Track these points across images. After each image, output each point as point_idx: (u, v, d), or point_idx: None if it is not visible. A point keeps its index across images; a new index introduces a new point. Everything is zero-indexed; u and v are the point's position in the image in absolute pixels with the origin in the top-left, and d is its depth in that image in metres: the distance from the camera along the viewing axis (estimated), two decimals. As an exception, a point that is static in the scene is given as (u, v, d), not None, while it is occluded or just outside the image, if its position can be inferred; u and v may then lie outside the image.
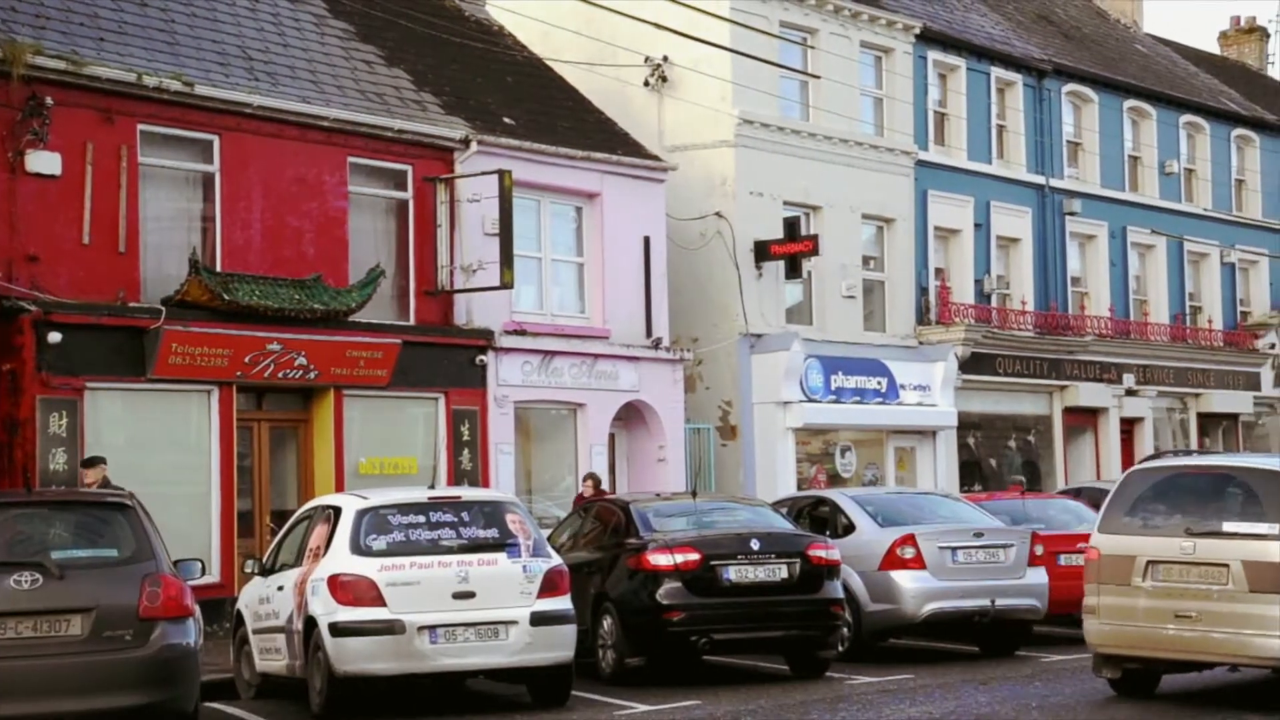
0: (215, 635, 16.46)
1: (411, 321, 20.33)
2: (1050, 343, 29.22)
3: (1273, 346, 34.40)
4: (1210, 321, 33.60)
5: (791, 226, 24.79)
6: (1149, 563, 11.59)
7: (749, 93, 24.52)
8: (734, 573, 13.74)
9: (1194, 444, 32.79)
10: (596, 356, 22.20)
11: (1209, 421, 33.37)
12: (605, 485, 20.51)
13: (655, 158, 23.56)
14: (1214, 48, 43.07)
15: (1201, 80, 36.61)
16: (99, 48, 17.96)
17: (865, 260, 26.95)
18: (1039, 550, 15.74)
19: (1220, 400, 32.96)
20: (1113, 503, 12.12)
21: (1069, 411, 29.99)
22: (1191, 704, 12.02)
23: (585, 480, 20.03)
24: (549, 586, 12.27)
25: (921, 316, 27.51)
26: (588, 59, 24.54)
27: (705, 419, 24.53)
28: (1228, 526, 11.34)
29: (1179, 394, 32.49)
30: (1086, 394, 29.86)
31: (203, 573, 11.24)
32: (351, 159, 19.86)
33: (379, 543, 12.17)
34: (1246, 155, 35.69)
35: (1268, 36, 43.46)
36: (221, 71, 19.03)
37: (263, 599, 13.44)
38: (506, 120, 21.98)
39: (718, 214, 24.63)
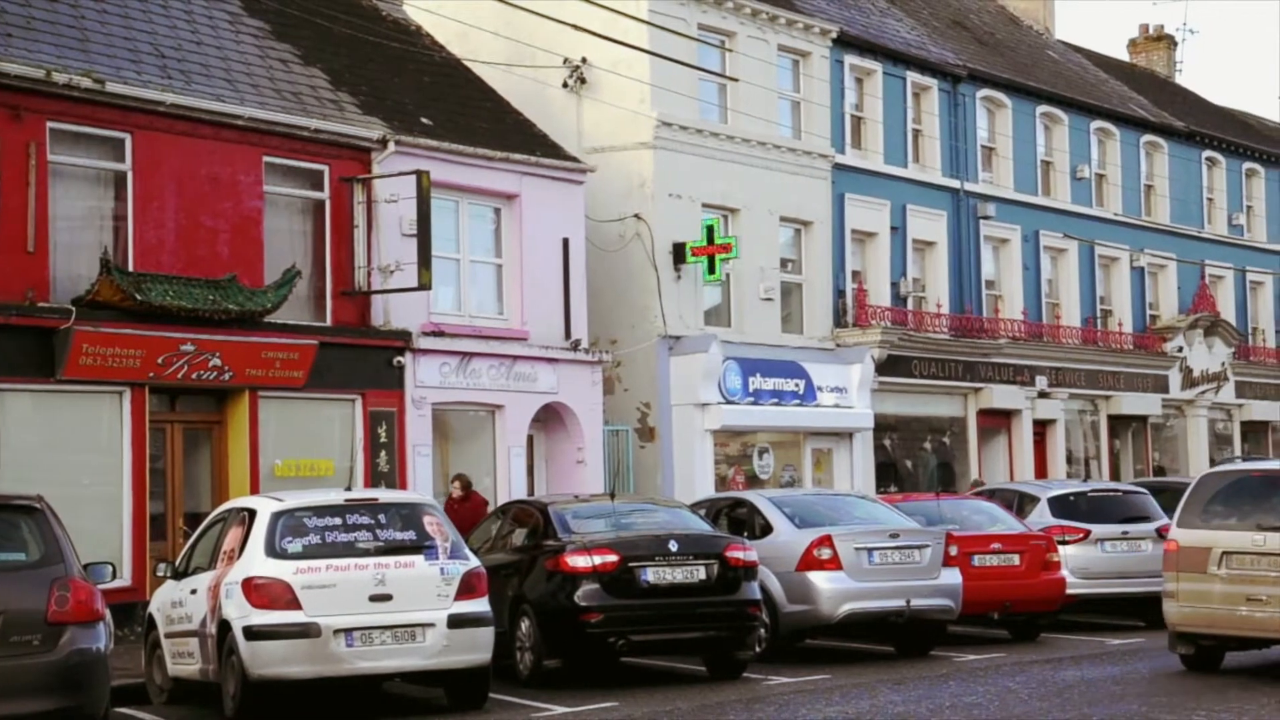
0: (126, 640, 16.26)
1: (328, 322, 20.18)
2: (965, 345, 29.54)
3: (1180, 350, 34.99)
4: (1120, 325, 34.13)
5: (710, 229, 24.87)
6: (1224, 553, 13.25)
7: (667, 95, 24.58)
8: (652, 574, 13.77)
9: (1104, 447, 33.31)
10: (515, 358, 22.16)
11: (1119, 423, 33.90)
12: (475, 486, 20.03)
13: (574, 159, 23.56)
14: (1123, 55, 43.76)
15: (1111, 87, 37.19)
16: (6, 44, 17.65)
17: (783, 263, 27.10)
18: (953, 551, 15.90)
19: (1130, 403, 33.48)
20: (1189, 502, 13.86)
21: (983, 413, 30.33)
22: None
23: (454, 481, 19.69)
24: (467, 589, 12.24)
25: (839, 319, 27.71)
26: (506, 60, 24.48)
27: (624, 421, 24.55)
28: None
29: (1090, 396, 32.97)
30: (1000, 396, 30.22)
31: (113, 576, 11.09)
32: (267, 158, 19.68)
33: (294, 545, 12.08)
34: (1155, 161, 36.29)
35: (1175, 45, 44.23)
36: (133, 69, 18.78)
37: (175, 602, 13.29)
38: (424, 121, 21.87)
39: (636, 216, 24.66)
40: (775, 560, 15.32)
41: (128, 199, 18.36)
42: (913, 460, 29.28)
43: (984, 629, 17.69)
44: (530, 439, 22.80)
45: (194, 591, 12.85)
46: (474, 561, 12.59)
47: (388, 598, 11.94)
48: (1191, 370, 35.34)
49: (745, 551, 14.28)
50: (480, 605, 12.33)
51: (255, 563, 12.03)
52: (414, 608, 11.99)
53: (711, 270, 24.96)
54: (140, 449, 18.06)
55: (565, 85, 25.21)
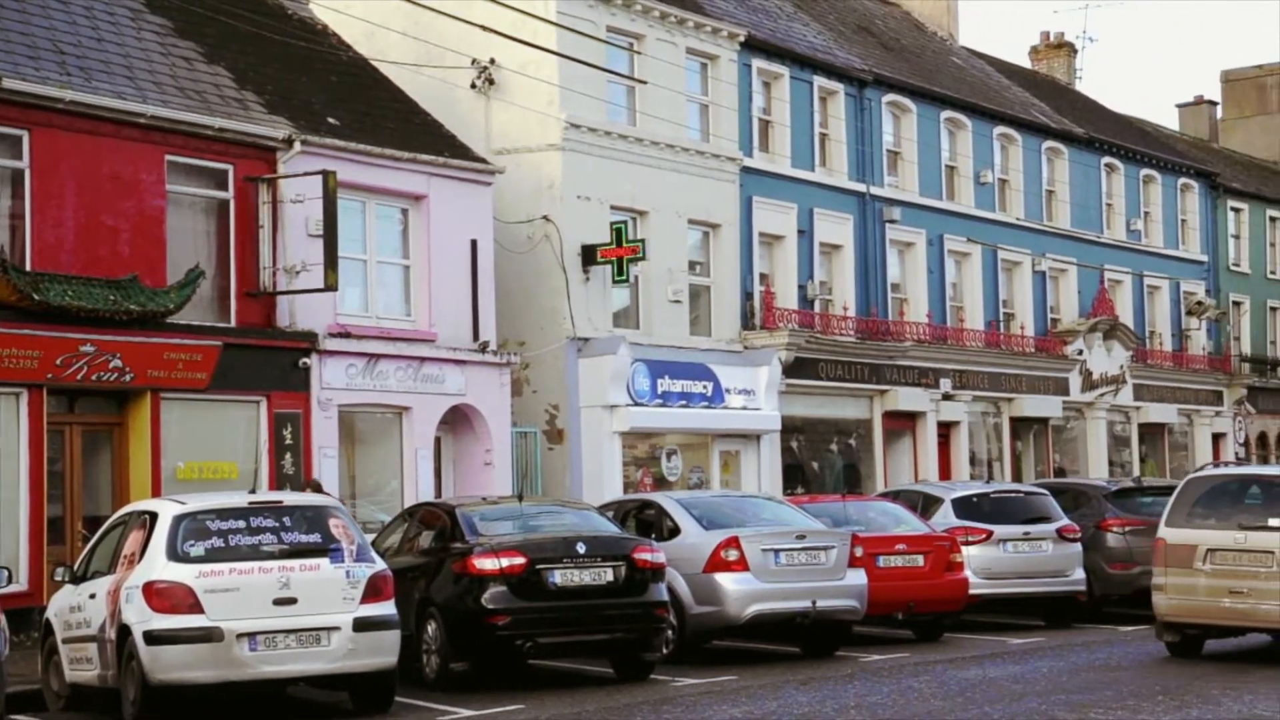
0: (23, 645, 16.00)
1: (232, 323, 19.95)
2: (871, 348, 29.82)
3: (1080, 353, 35.57)
4: (1022, 328, 34.62)
5: (618, 231, 24.90)
6: (1208, 550, 14.51)
7: (576, 97, 24.57)
8: (560, 576, 13.76)
9: (1006, 448, 33.77)
10: (422, 360, 22.04)
11: (1021, 425, 34.38)
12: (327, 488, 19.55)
13: (482, 160, 23.47)
14: (1026, 61, 44.41)
15: (1014, 93, 37.73)
16: (-99, 37, 17.27)
17: (691, 265, 27.20)
18: (859, 552, 16.05)
19: (1031, 405, 33.97)
20: (1176, 503, 15.07)
21: (888, 415, 30.62)
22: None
23: (305, 489, 19.17)
24: (373, 592, 12.17)
25: (746, 321, 27.85)
26: (414, 60, 24.35)
27: (532, 423, 24.50)
28: (1273, 521, 14.32)
29: (993, 398, 33.40)
30: (905, 398, 30.54)
31: (9, 581, 10.90)
32: (170, 157, 19.42)
33: (197, 549, 11.94)
34: (1056, 167, 36.85)
35: (1075, 52, 44.99)
36: (31, 65, 18.44)
37: (74, 607, 13.08)
38: (331, 120, 21.69)
39: (545, 217, 24.63)
40: (683, 562, 15.37)
41: (25, 197, 18.02)
42: (819, 462, 29.50)
43: (889, 629, 17.86)
44: (438, 441, 22.69)
45: (93, 596, 12.65)
46: (380, 564, 12.52)
47: (292, 601, 11.84)
48: (1091, 373, 35.94)
49: (653, 553, 14.32)
50: (386, 608, 12.26)
51: (156, 566, 11.88)
52: (319, 611, 11.90)
53: (620, 272, 24.98)
54: (38, 451, 17.74)
55: (473, 86, 25.12)
